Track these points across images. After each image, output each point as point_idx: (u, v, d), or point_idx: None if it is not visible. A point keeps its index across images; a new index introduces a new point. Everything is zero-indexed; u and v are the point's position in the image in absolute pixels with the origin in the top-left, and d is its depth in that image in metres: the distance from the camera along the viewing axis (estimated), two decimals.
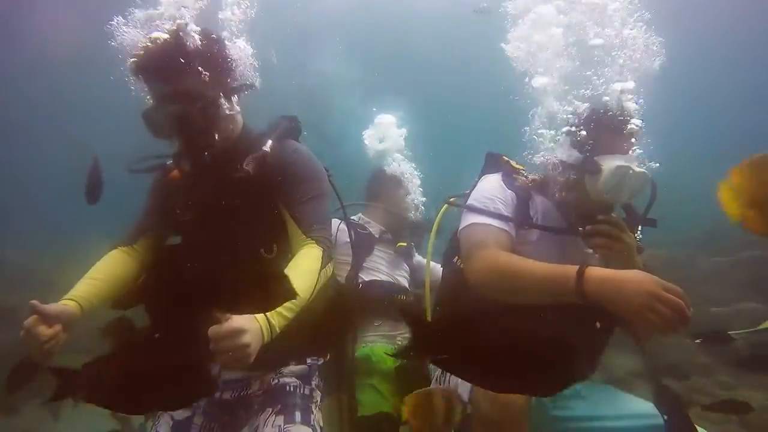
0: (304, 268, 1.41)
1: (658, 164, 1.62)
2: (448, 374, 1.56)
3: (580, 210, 1.62)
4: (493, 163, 1.82)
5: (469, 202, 1.67)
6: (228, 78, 1.55)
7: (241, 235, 1.51)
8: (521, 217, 1.61)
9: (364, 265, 2.35)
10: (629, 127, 1.58)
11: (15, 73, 11.11)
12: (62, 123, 12.54)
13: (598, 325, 1.59)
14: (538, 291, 1.39)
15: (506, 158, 1.80)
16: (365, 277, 2.33)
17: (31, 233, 9.96)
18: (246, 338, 1.14)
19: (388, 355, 2.12)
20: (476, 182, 1.78)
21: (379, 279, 2.38)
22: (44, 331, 1.31)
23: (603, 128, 1.58)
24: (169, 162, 1.64)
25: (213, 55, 1.49)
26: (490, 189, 1.66)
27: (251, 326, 1.17)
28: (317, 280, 1.43)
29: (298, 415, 1.55)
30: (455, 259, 1.75)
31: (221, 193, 1.55)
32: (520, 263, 1.45)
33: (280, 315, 1.29)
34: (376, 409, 2.01)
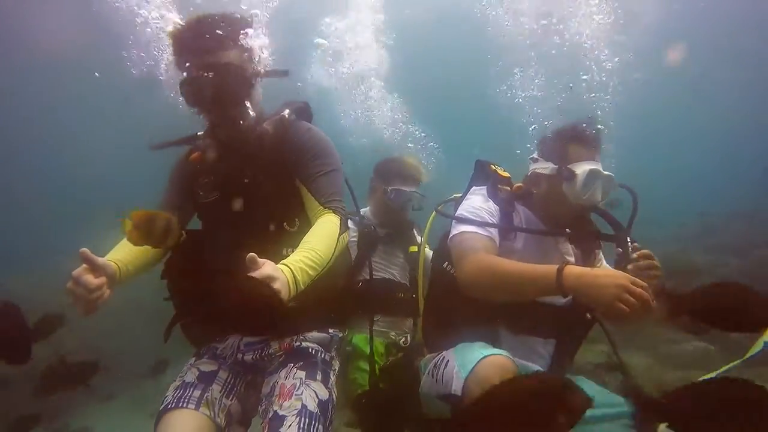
0: (323, 233, 1.52)
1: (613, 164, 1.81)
2: (442, 368, 1.62)
3: (560, 216, 1.76)
4: (481, 171, 1.93)
5: (458, 213, 1.80)
6: (260, 61, 1.66)
7: (265, 210, 1.62)
8: (506, 227, 1.75)
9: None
10: (594, 136, 1.74)
11: None
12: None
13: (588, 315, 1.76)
14: (524, 288, 1.53)
15: (493, 167, 1.92)
16: (365, 274, 2.36)
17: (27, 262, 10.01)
18: (276, 285, 1.23)
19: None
20: (465, 192, 1.91)
21: (380, 277, 2.44)
22: (92, 280, 1.33)
23: (570, 140, 1.74)
24: (195, 142, 1.74)
25: (250, 37, 1.62)
26: (477, 202, 1.80)
27: (279, 276, 1.25)
28: (336, 244, 1.52)
29: (318, 375, 1.63)
30: (445, 265, 1.84)
31: (246, 169, 1.65)
32: (507, 264, 1.57)
33: (303, 271, 1.37)
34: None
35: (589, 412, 1.59)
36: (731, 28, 13.70)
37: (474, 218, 1.72)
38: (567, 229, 1.74)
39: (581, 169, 1.66)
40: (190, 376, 1.63)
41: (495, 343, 1.65)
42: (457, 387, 1.44)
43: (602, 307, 1.34)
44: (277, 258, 1.38)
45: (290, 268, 1.33)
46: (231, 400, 1.62)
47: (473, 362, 1.41)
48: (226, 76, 1.53)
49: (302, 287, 1.35)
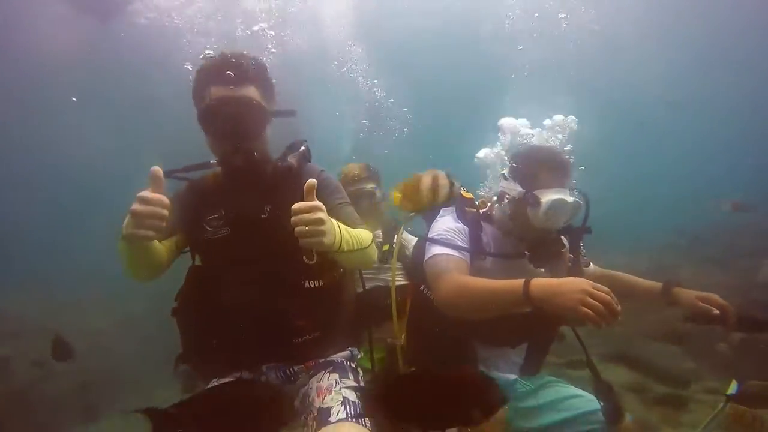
0: (361, 231, 1.62)
1: (582, 167, 1.90)
2: None
3: (525, 236, 1.86)
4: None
5: (430, 235, 1.91)
6: (274, 101, 1.76)
7: (284, 245, 1.60)
8: (476, 248, 1.86)
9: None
10: (564, 162, 1.84)
11: None
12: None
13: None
14: (495, 304, 1.62)
15: (461, 191, 2.04)
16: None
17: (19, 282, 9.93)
18: (322, 215, 1.34)
19: None
20: (436, 214, 2.02)
21: (376, 285, 2.48)
22: (164, 197, 1.33)
23: (540, 165, 1.83)
24: (205, 171, 1.76)
25: (268, 78, 1.72)
26: (448, 223, 1.91)
27: (329, 222, 1.37)
28: (368, 247, 1.61)
29: (350, 376, 1.71)
30: (422, 287, 1.96)
31: (263, 203, 1.68)
32: (479, 282, 1.67)
33: (345, 238, 1.47)
34: None
35: (562, 413, 1.74)
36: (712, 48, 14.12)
37: (445, 241, 1.83)
38: (526, 252, 1.83)
39: (546, 197, 1.75)
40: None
41: (472, 359, 1.82)
42: None
43: (568, 312, 1.42)
44: (299, 290, 1.55)
45: (339, 226, 1.45)
46: None
47: None
48: (249, 108, 1.61)
49: (342, 248, 1.45)
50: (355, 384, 1.66)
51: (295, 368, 1.74)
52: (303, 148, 1.80)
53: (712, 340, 5.29)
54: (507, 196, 1.88)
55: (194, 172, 1.77)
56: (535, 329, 1.85)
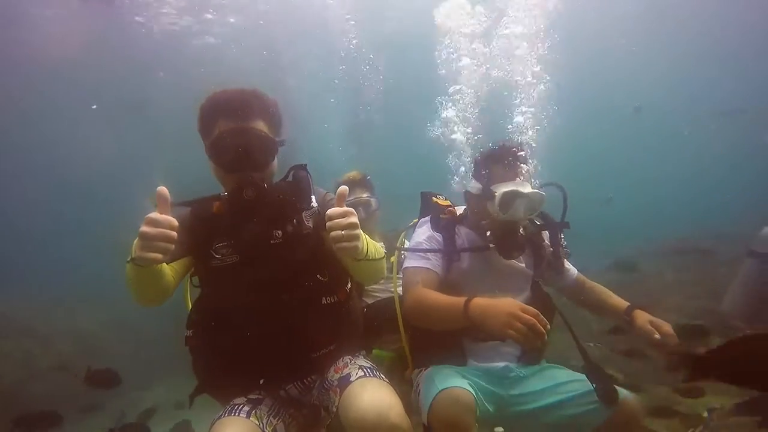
0: (376, 244, 1.68)
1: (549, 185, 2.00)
2: (417, 395, 1.84)
3: (492, 230, 1.96)
4: (426, 203, 2.19)
5: (408, 246, 2.04)
6: (281, 134, 1.80)
7: (298, 266, 1.69)
8: (450, 252, 1.97)
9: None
10: (514, 156, 1.94)
11: None
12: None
13: None
14: (443, 319, 1.75)
15: (435, 199, 2.16)
16: (366, 299, 2.47)
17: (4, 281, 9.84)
18: (355, 219, 1.43)
19: None
20: (416, 223, 2.15)
21: (380, 297, 2.51)
22: (171, 219, 1.33)
23: (494, 162, 1.95)
24: (213, 203, 1.75)
25: (276, 112, 1.77)
26: (422, 235, 2.03)
27: (359, 230, 1.46)
28: (382, 259, 1.70)
29: (362, 357, 1.81)
30: None
31: (272, 230, 1.69)
32: (431, 298, 1.79)
33: (369, 239, 1.58)
34: None
35: (558, 396, 1.80)
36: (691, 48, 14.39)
37: (417, 254, 1.95)
38: (491, 244, 1.93)
39: (500, 190, 1.86)
40: (239, 401, 1.68)
41: (461, 355, 1.90)
42: (425, 419, 1.68)
43: (498, 334, 1.50)
44: (316, 307, 1.67)
45: (364, 235, 1.53)
46: (277, 421, 1.68)
47: (431, 397, 1.64)
48: (259, 140, 1.66)
49: (368, 255, 1.56)
50: (366, 362, 1.76)
51: (312, 377, 1.80)
52: (306, 172, 1.84)
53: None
54: (471, 196, 2.03)
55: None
56: None
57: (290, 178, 1.83)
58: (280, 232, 1.69)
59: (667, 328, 1.78)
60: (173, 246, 1.34)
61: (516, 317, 1.46)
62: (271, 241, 1.69)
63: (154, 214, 1.32)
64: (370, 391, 1.52)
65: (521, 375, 1.93)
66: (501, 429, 2.31)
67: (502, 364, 1.92)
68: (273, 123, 1.75)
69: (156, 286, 1.53)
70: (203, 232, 1.70)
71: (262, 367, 1.69)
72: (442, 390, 1.64)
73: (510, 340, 1.49)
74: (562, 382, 1.86)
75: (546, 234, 2.08)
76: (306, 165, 1.86)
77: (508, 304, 1.51)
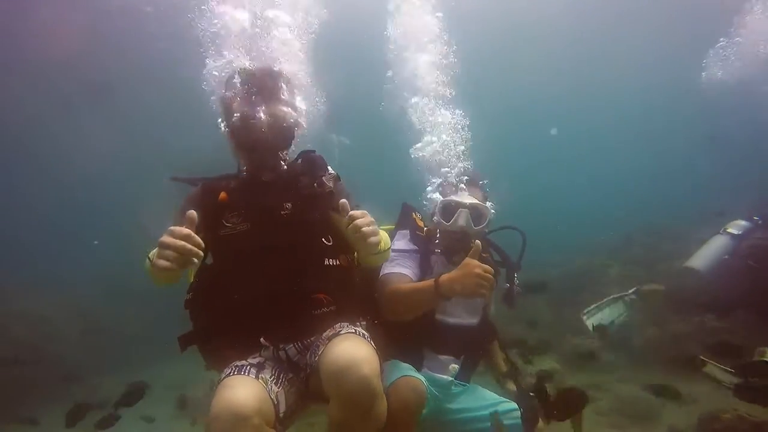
0: (382, 233, 1.80)
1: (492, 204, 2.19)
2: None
3: (442, 239, 2.16)
4: (406, 215, 2.31)
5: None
6: (300, 118, 1.91)
7: (304, 232, 1.82)
8: (424, 264, 2.13)
9: None
10: (462, 174, 2.18)
11: None
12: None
13: None
14: (418, 301, 1.93)
15: (414, 215, 2.28)
16: None
17: None
18: (373, 220, 1.62)
19: None
20: (395, 233, 2.27)
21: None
22: (193, 234, 1.42)
23: (445, 179, 2.23)
24: (230, 181, 1.88)
25: (292, 91, 1.88)
26: (400, 245, 2.17)
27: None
28: (389, 248, 1.90)
29: (358, 325, 1.83)
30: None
31: (284, 202, 1.82)
32: (404, 285, 1.98)
33: (383, 235, 1.76)
34: None
35: (483, 411, 2.03)
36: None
37: (394, 262, 2.09)
38: (437, 250, 2.13)
39: (441, 200, 2.12)
40: (240, 363, 1.67)
41: (419, 361, 2.08)
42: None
43: (471, 294, 1.76)
44: (319, 266, 1.80)
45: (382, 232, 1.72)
46: (279, 389, 1.65)
47: (393, 378, 1.80)
48: (282, 123, 1.78)
49: (383, 245, 1.75)
50: (361, 329, 1.77)
51: (312, 338, 1.80)
52: (317, 153, 1.96)
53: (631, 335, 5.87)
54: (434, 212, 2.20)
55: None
56: (470, 347, 2.20)
57: (300, 162, 1.95)
58: (290, 204, 1.83)
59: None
60: (187, 258, 1.39)
61: (481, 277, 1.74)
62: (282, 212, 1.82)
63: (177, 228, 1.41)
64: (350, 342, 1.57)
65: (456, 392, 2.13)
66: None
67: (448, 378, 2.11)
68: (292, 103, 1.86)
69: (169, 279, 1.63)
70: (212, 205, 1.80)
71: (263, 323, 1.74)
72: (404, 376, 1.80)
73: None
74: (490, 402, 2.09)
75: (503, 271, 2.21)
76: (315, 150, 2.00)
77: (470, 268, 1.76)
